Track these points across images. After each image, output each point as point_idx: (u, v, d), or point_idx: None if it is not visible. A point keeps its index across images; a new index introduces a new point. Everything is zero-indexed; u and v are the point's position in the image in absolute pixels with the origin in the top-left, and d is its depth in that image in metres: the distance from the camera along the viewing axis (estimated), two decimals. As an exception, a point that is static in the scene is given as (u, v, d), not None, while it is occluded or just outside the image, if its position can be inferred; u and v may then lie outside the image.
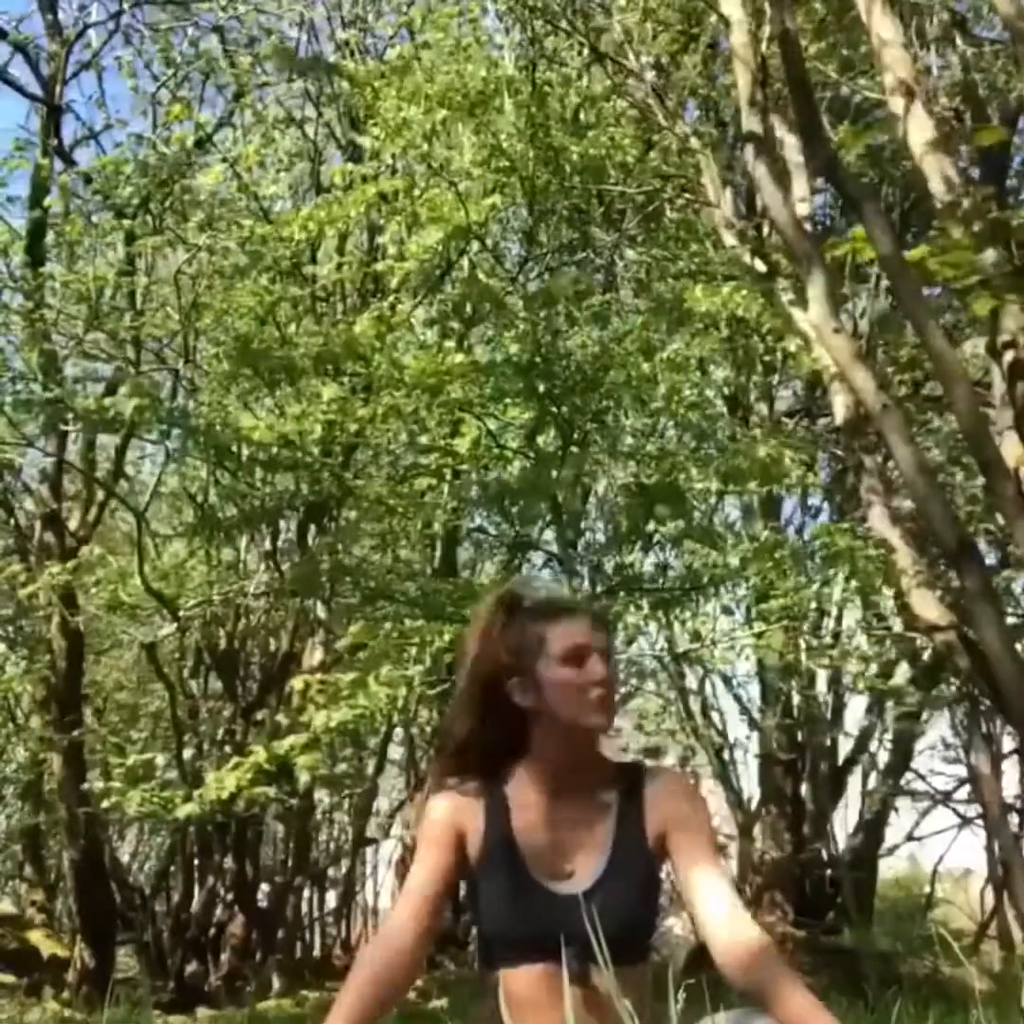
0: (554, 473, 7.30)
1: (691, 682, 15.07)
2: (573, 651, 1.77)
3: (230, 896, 12.49)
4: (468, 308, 9.87)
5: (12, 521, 11.01)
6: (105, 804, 7.54)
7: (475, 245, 10.05)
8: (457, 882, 1.86)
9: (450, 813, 1.84)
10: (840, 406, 6.69)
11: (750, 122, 5.58)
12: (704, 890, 1.72)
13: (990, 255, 4.13)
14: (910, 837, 14.03)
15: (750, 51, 6.01)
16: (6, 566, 9.92)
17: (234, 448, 8.42)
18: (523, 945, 1.74)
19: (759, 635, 8.21)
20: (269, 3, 10.42)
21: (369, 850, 18.69)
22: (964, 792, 13.65)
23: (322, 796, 17.08)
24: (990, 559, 9.88)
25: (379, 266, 9.76)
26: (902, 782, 12.72)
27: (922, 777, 13.56)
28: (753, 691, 13.37)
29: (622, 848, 1.78)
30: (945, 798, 13.63)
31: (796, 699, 11.42)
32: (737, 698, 14.37)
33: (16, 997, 8.08)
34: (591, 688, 1.76)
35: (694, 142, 9.09)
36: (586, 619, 1.82)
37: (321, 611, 9.90)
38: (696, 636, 10.40)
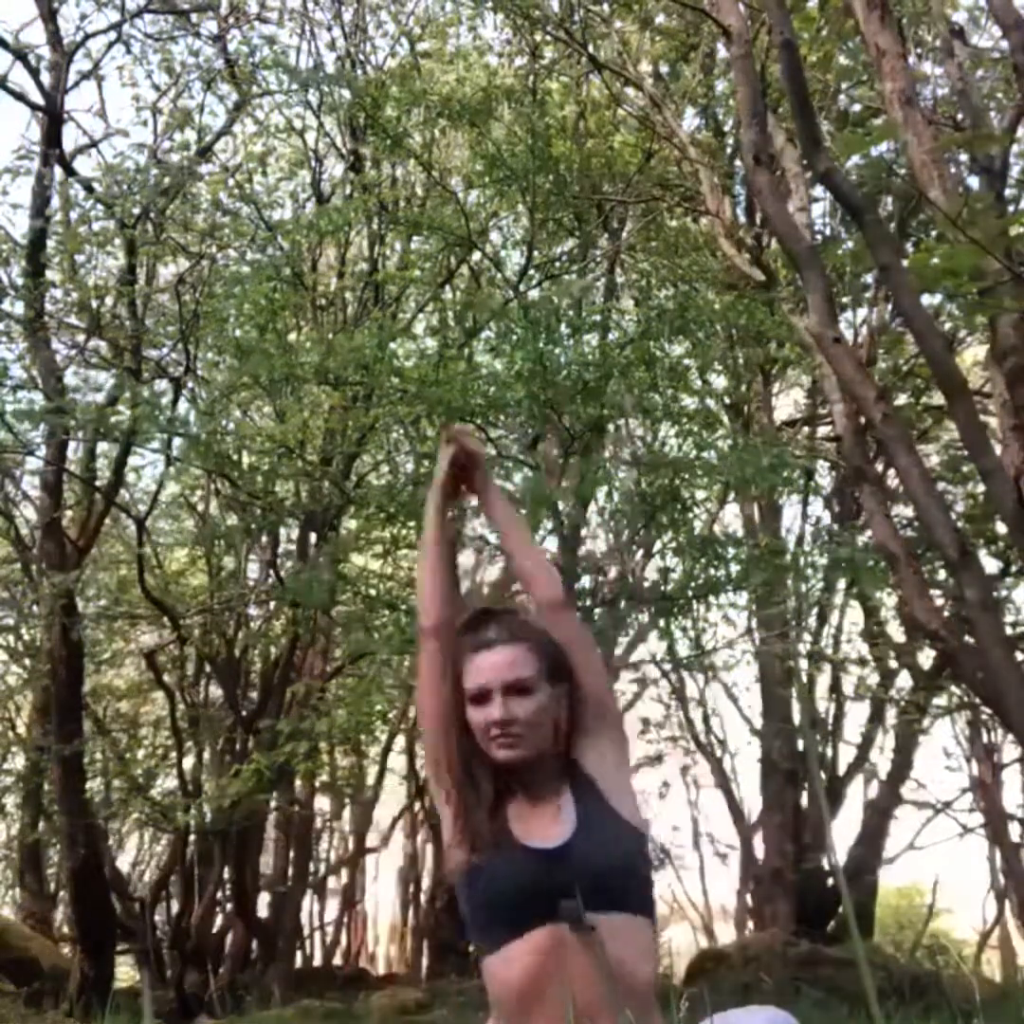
0: (555, 482, 7.31)
1: (692, 690, 15.10)
2: (476, 692, 1.91)
3: (230, 905, 12.46)
4: (469, 318, 9.89)
5: (12, 530, 11.01)
6: (105, 813, 7.53)
7: (475, 254, 10.07)
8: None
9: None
10: (840, 415, 6.70)
11: (750, 132, 5.60)
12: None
13: (990, 263, 4.14)
14: (911, 846, 14.01)
15: (750, 61, 6.03)
16: (7, 574, 9.93)
17: (235, 456, 8.43)
18: (518, 907, 1.81)
19: (760, 642, 8.21)
20: (270, 13, 10.46)
21: (370, 859, 18.66)
22: (965, 801, 13.65)
23: (323, 805, 17.09)
24: (990, 568, 9.88)
25: (379, 277, 9.79)
26: (903, 791, 12.69)
27: (923, 786, 13.55)
28: (754, 698, 13.37)
29: (588, 812, 1.89)
30: (946, 807, 13.61)
31: (796, 707, 11.41)
32: (737, 704, 14.40)
33: (16, 1007, 8.05)
34: (490, 727, 1.88)
35: (693, 151, 9.11)
36: (497, 654, 1.91)
37: (322, 619, 9.90)
38: (697, 643, 10.40)
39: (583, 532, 9.31)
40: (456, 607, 2.08)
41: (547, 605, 2.01)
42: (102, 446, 10.09)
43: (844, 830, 12.65)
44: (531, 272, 10.44)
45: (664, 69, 11.43)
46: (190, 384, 10.16)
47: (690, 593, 8.05)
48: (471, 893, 1.89)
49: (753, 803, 13.39)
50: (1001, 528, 8.45)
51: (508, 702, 1.86)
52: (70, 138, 15.97)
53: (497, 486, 2.23)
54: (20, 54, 9.23)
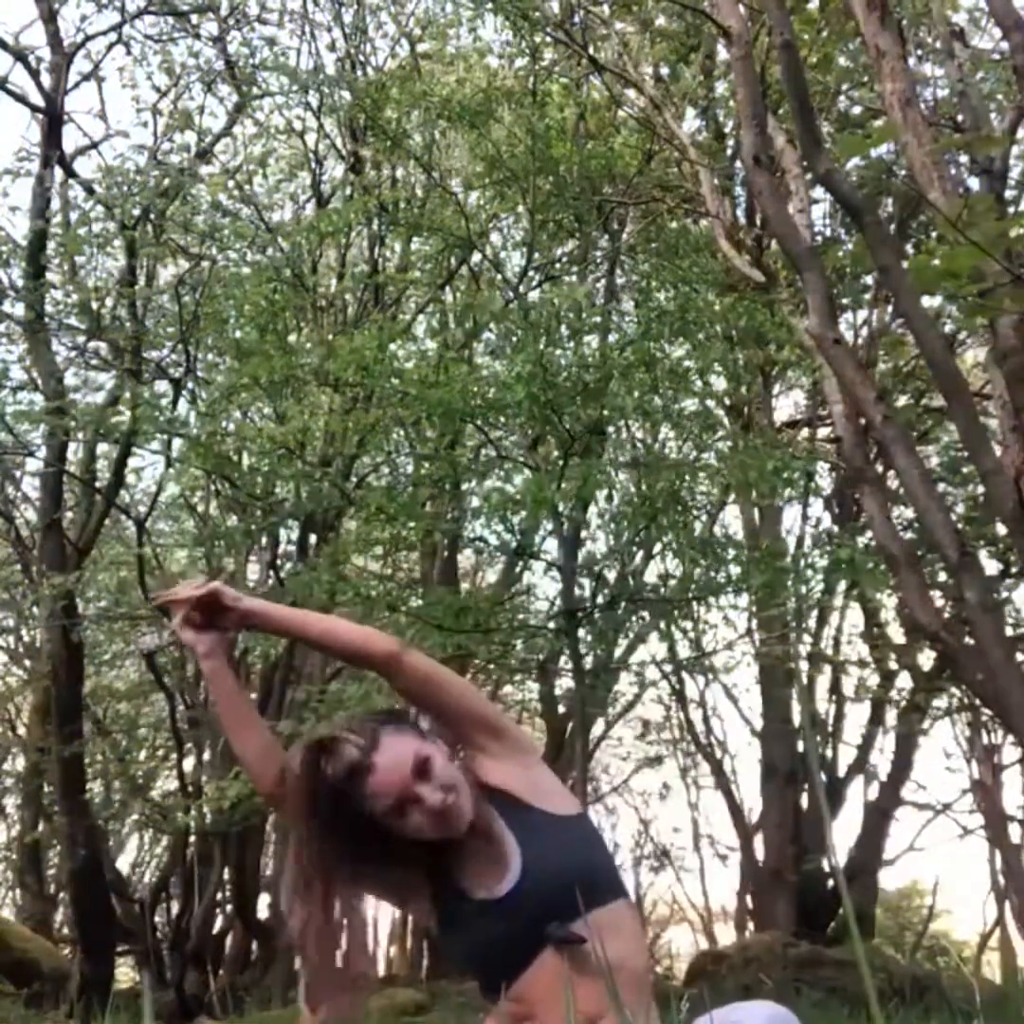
0: (555, 484, 7.30)
1: (692, 691, 15.10)
2: (391, 808, 1.81)
3: (230, 906, 12.47)
4: (470, 320, 9.89)
5: (12, 531, 11.02)
6: (105, 814, 7.53)
7: (475, 255, 10.07)
8: None
9: None
10: (840, 416, 6.70)
11: (750, 133, 5.60)
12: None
13: (990, 265, 4.14)
14: (912, 847, 14.01)
15: (750, 63, 6.02)
16: (7, 575, 9.91)
17: (235, 457, 8.43)
18: (503, 958, 1.79)
19: (760, 644, 8.21)
20: (270, 14, 10.47)
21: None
22: (965, 802, 13.64)
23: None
24: (990, 569, 9.87)
25: (379, 278, 9.77)
26: (903, 792, 12.69)
27: (923, 787, 13.55)
28: (754, 700, 13.37)
29: (524, 832, 1.85)
30: (946, 808, 13.61)
31: (797, 708, 11.40)
32: (737, 706, 14.40)
33: (16, 1008, 8.05)
34: (421, 827, 1.81)
35: (693, 153, 9.11)
36: (384, 765, 1.80)
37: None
38: (698, 645, 10.40)
39: (583, 534, 9.31)
40: (282, 758, 1.94)
41: (389, 659, 1.91)
42: (102, 447, 10.10)
43: (844, 831, 12.65)
44: (531, 273, 10.45)
45: (664, 71, 11.43)
46: (190, 385, 10.16)
47: (690, 595, 8.05)
48: (454, 958, 1.90)
49: (753, 804, 13.38)
50: (1001, 529, 8.46)
51: (424, 787, 1.79)
52: (70, 139, 16.02)
53: (262, 602, 2.04)
54: (20, 55, 9.24)
